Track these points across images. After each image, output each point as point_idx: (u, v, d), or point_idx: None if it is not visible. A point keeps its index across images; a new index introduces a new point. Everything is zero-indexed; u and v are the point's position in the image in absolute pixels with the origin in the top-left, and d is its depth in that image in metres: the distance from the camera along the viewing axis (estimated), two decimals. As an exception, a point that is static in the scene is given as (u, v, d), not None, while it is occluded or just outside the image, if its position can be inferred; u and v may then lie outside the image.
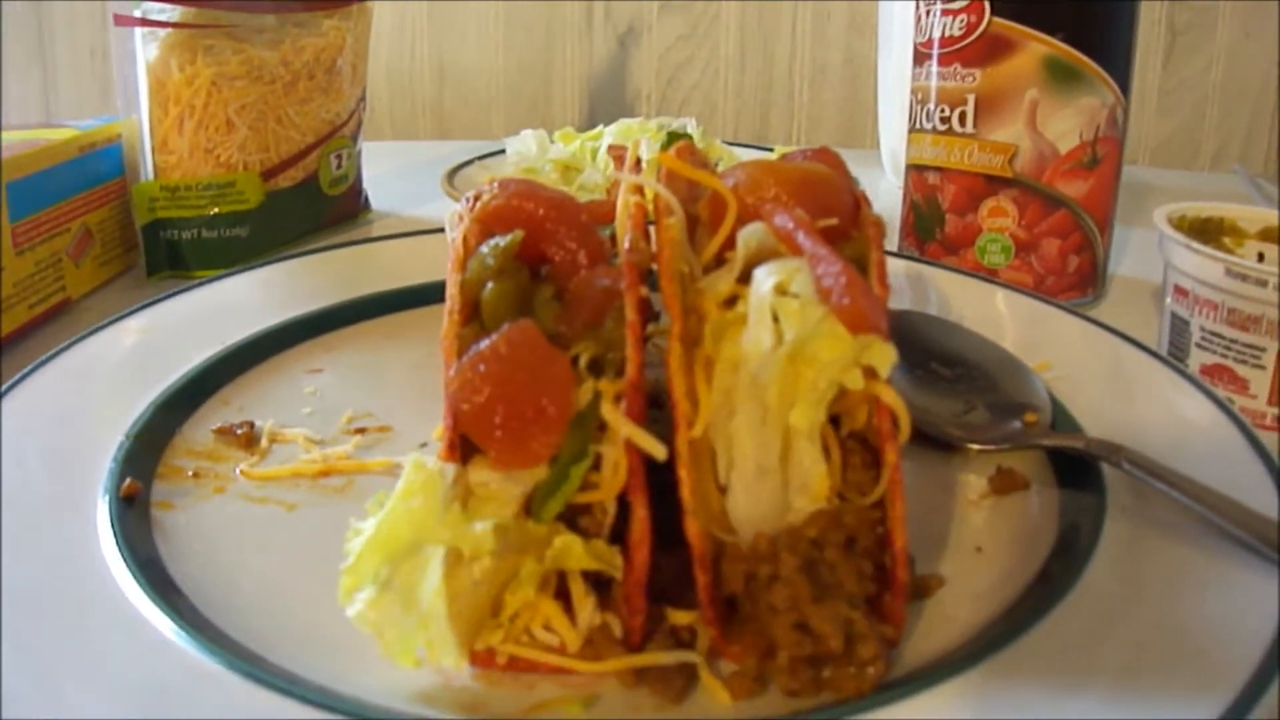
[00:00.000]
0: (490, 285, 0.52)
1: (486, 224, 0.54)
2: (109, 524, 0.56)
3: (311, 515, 0.60)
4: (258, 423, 0.67)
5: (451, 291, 0.52)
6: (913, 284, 0.82)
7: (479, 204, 0.54)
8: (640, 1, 1.45)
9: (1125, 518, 0.57)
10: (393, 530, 0.47)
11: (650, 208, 0.56)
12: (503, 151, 1.10)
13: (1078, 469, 0.61)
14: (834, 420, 0.51)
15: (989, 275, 0.85)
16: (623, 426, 0.48)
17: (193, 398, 0.69)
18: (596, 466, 0.49)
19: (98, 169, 0.94)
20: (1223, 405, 0.64)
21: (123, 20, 0.92)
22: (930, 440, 0.64)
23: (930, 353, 0.70)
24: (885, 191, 1.20)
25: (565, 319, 0.51)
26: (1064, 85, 0.82)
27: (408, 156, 1.32)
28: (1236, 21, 1.33)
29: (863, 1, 1.41)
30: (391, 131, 1.51)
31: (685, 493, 0.48)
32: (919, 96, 0.87)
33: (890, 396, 0.50)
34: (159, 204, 0.94)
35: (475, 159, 1.09)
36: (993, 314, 0.78)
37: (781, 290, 0.48)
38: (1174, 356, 0.75)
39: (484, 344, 0.48)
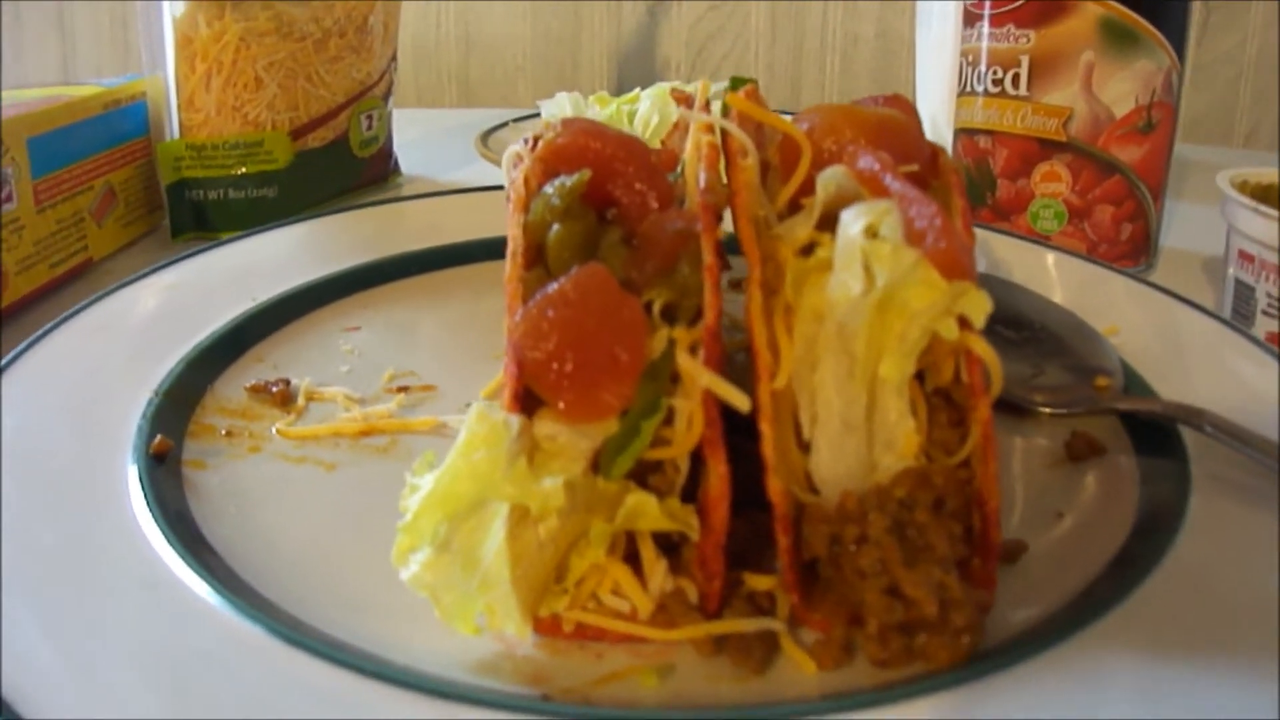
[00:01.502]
0: (555, 227, 0.47)
1: (550, 163, 0.49)
2: (139, 482, 0.52)
3: (353, 475, 0.55)
4: (294, 381, 0.62)
5: (514, 233, 0.48)
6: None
7: (541, 142, 0.49)
8: (669, -29, 1.40)
9: (1210, 484, 0.53)
10: (454, 485, 0.42)
11: (721, 149, 0.51)
12: (537, 114, 1.05)
13: (1154, 435, 0.57)
14: (917, 376, 0.47)
15: (1042, 241, 0.81)
16: (701, 376, 0.43)
17: (225, 355, 0.65)
18: (669, 421, 0.45)
19: (122, 127, 0.90)
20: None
21: (148, -26, 0.87)
22: (999, 404, 0.59)
23: (995, 315, 0.65)
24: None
25: (635, 264, 0.47)
26: (1120, 48, 0.78)
27: (436, 123, 1.27)
28: (1272, -3, 1.29)
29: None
30: (417, 101, 1.46)
31: (767, 448, 0.44)
32: (969, 58, 0.83)
33: (984, 348, 0.45)
34: (185, 163, 0.89)
35: (510, 121, 1.04)
36: (1052, 279, 0.73)
37: (871, 233, 0.44)
38: (1237, 320, 0.71)
39: (551, 288, 0.44)
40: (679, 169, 0.55)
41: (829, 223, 0.47)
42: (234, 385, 0.63)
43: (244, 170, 0.89)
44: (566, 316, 0.43)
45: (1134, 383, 0.61)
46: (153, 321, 0.66)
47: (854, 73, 1.41)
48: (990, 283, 0.70)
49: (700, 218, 0.46)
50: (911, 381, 0.46)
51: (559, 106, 0.98)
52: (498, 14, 1.43)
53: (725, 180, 0.51)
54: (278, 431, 0.59)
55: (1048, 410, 0.60)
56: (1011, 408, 0.60)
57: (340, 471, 0.56)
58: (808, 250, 0.48)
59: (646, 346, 0.44)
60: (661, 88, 0.97)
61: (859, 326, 0.43)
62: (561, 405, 0.44)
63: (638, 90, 0.96)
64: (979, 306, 0.44)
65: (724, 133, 0.52)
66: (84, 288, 0.81)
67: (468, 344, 0.67)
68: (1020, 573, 0.49)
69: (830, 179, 0.48)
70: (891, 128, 0.52)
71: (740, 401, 0.43)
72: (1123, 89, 0.79)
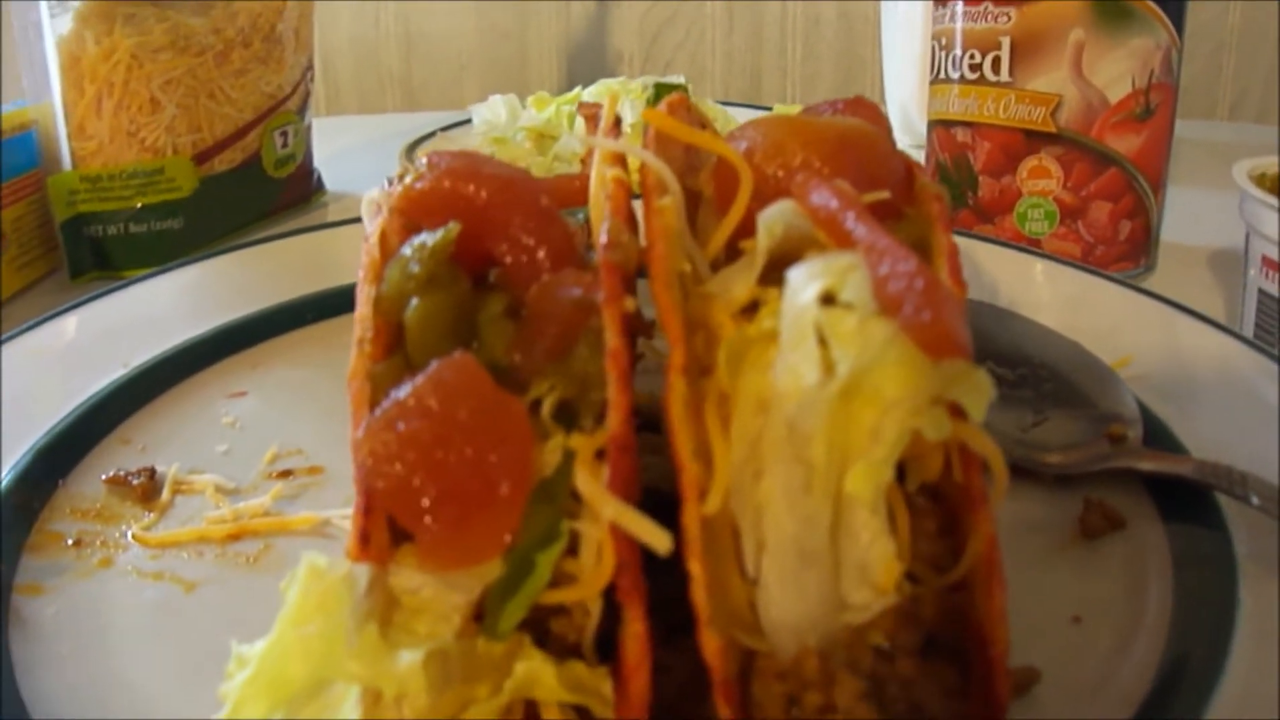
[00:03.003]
0: (415, 302, 0.34)
1: (410, 215, 0.36)
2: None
3: (215, 598, 0.43)
4: (160, 468, 0.50)
5: (363, 312, 0.35)
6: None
7: (399, 189, 0.36)
8: (619, -43, 1.24)
9: (1261, 569, 0.40)
10: (283, 667, 0.30)
11: (635, 184, 0.38)
12: (469, 121, 0.91)
13: (1183, 497, 0.44)
14: (897, 473, 0.34)
15: (1031, 245, 0.68)
16: (606, 505, 0.30)
17: (83, 438, 0.52)
18: (572, 549, 0.32)
19: (9, 161, 0.76)
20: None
21: (25, -11, 0.73)
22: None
23: (986, 350, 0.52)
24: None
25: (521, 345, 0.34)
26: (1113, 24, 0.64)
27: (370, 131, 1.12)
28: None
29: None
30: (358, 105, 1.31)
31: (698, 594, 0.31)
32: (942, 41, 0.69)
33: (985, 444, 0.33)
34: (80, 197, 0.76)
35: (439, 130, 0.90)
36: (1047, 295, 0.60)
37: (829, 299, 0.31)
38: (1261, 339, 0.58)
39: (404, 390, 0.31)
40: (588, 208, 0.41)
41: (777, 270, 0.35)
42: (92, 476, 0.50)
43: (144, 201, 0.76)
44: (424, 432, 0.30)
45: (1154, 430, 0.48)
46: (6, 399, 0.52)
47: (817, 55, 1.26)
48: (979, 310, 0.57)
49: (602, 283, 0.33)
50: (890, 484, 0.33)
51: (493, 111, 0.84)
52: (440, 10, 1.28)
53: (641, 226, 0.38)
54: (134, 537, 0.46)
55: (1052, 469, 0.47)
56: (1007, 465, 0.47)
57: (200, 593, 0.43)
58: (750, 310, 0.35)
59: (534, 463, 0.31)
60: (605, 85, 0.84)
61: (817, 426, 0.30)
62: (423, 549, 0.31)
63: (579, 89, 0.82)
64: (978, 393, 0.31)
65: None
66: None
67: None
68: (1033, 710, 0.36)
69: (776, 219, 0.35)
70: (854, 143, 0.39)
71: (659, 542, 0.30)
72: (1117, 70, 0.65)
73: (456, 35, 1.28)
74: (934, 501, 0.35)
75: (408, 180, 0.36)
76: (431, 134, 0.89)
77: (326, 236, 0.70)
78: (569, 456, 0.32)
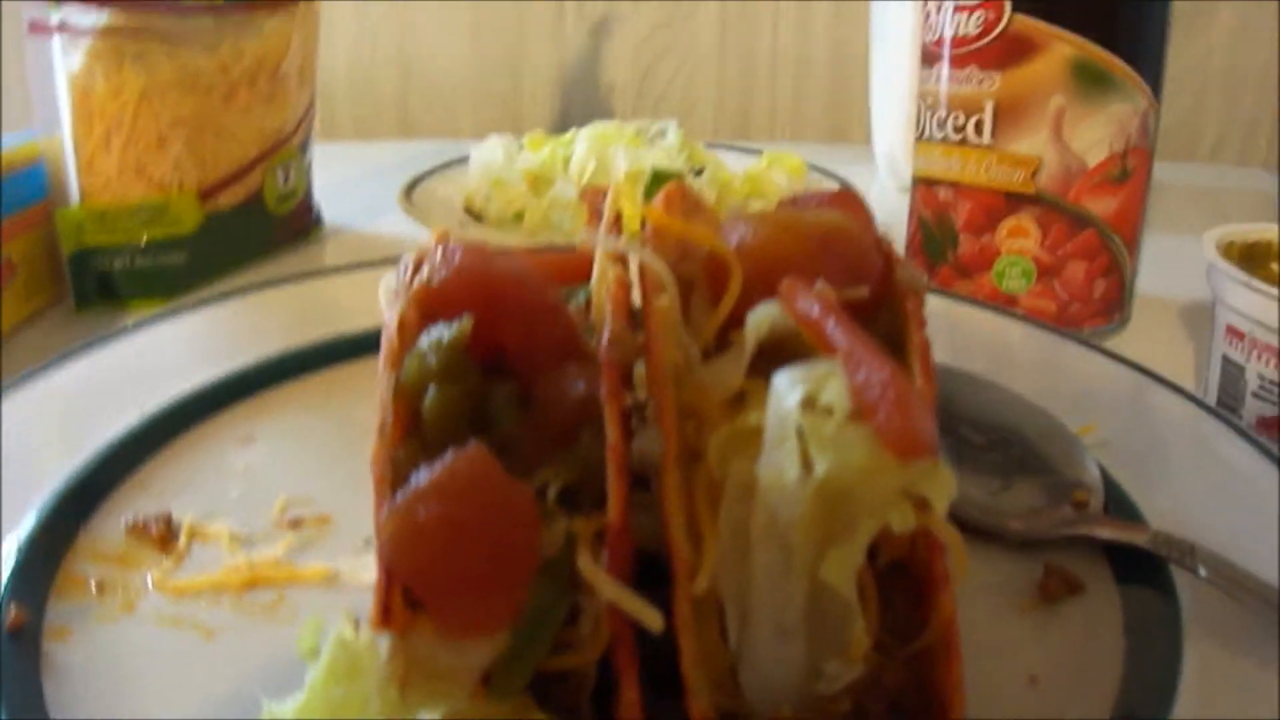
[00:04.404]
0: (433, 391, 0.38)
1: (429, 306, 0.40)
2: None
3: (234, 646, 0.46)
4: (176, 514, 0.53)
5: (384, 399, 0.39)
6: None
7: (417, 283, 0.40)
8: (614, -11, 1.29)
9: (1204, 635, 0.45)
10: (312, 727, 0.34)
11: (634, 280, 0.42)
12: (466, 159, 0.95)
13: (1139, 564, 0.49)
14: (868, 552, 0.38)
15: (1008, 303, 0.72)
16: (605, 587, 0.35)
17: (103, 483, 0.55)
18: (572, 619, 0.37)
19: (18, 193, 0.79)
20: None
21: (39, 28, 0.77)
22: (960, 525, 0.51)
23: (959, 415, 0.57)
24: (880, 194, 1.04)
25: (529, 432, 0.38)
26: (1093, 91, 0.69)
27: (367, 161, 1.16)
28: (1238, 6, 1.19)
29: (848, -13, 1.26)
30: (353, 132, 1.34)
31: (687, 667, 0.35)
32: (928, 101, 0.73)
33: (947, 533, 0.37)
34: (86, 230, 0.79)
35: (437, 169, 0.94)
36: (1019, 358, 0.64)
37: (810, 404, 0.35)
38: (1225, 406, 0.62)
39: (423, 478, 0.35)
40: (592, 284, 0.45)
41: (763, 358, 0.39)
42: (113, 521, 0.53)
43: (150, 236, 0.79)
44: (440, 517, 0.34)
45: (1114, 497, 0.53)
46: (21, 444, 0.56)
47: (807, 93, 1.30)
48: (955, 377, 0.61)
49: (604, 380, 0.37)
50: (861, 565, 0.37)
51: (490, 153, 0.88)
52: (435, 38, 1.31)
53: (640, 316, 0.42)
54: (153, 584, 0.50)
55: (1016, 535, 0.51)
56: (971, 529, 0.51)
57: (220, 640, 0.47)
58: (739, 400, 0.39)
59: (540, 544, 0.36)
60: (599, 127, 0.88)
61: (796, 517, 0.35)
62: (439, 621, 0.35)
63: (573, 131, 0.86)
64: (942, 489, 0.35)
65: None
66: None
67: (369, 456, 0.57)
68: (990, 766, 0.40)
69: (764, 320, 0.39)
70: (837, 240, 0.43)
71: (652, 620, 0.34)
72: (1095, 135, 0.70)
73: (452, 63, 1.31)
74: (902, 576, 0.40)
75: (425, 273, 0.40)
76: (430, 172, 0.93)
77: (327, 283, 0.74)
78: (571, 539, 0.36)
